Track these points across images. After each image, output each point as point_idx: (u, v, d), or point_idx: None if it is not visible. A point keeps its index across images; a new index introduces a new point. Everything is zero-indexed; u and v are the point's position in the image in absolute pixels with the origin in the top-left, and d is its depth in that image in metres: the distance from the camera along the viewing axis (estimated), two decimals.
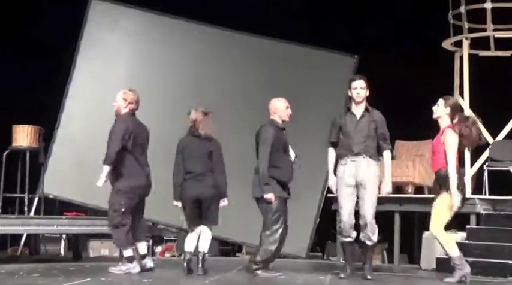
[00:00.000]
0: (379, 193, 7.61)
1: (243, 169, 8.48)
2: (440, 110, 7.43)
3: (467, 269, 7.40)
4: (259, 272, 7.67)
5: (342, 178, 7.59)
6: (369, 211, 7.49)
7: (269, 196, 7.60)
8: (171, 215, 9.76)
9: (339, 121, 7.70)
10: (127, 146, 7.62)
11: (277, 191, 7.65)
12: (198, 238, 7.84)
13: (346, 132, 7.61)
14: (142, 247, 7.94)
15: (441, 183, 7.40)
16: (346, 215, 7.56)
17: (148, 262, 7.94)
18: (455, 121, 7.41)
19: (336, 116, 7.81)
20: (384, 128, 7.63)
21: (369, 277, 7.53)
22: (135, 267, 7.69)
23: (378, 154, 7.62)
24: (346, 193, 7.57)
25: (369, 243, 7.54)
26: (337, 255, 10.39)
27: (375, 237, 7.55)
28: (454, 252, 7.40)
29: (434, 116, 7.48)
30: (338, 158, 7.69)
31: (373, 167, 7.56)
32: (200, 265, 7.65)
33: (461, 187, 7.35)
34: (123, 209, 7.60)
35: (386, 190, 7.60)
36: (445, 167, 7.32)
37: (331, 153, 7.76)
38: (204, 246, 7.79)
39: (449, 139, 7.31)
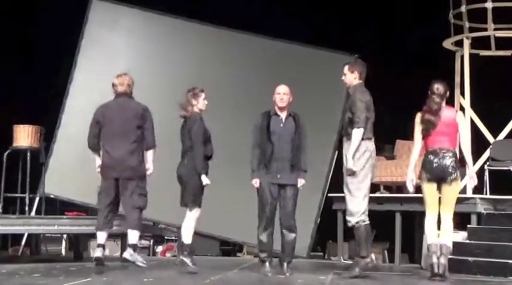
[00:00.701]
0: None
1: (244, 168, 8.47)
2: None
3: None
4: (265, 264, 7.75)
5: None
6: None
7: (252, 182, 7.77)
8: (172, 215, 9.77)
9: None
10: (100, 131, 7.85)
11: (261, 176, 7.76)
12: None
13: None
14: (131, 236, 7.78)
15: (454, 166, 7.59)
16: None
17: (125, 253, 7.77)
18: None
19: None
20: (354, 106, 7.55)
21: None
22: (95, 252, 7.78)
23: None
24: None
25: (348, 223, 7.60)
26: (337, 255, 10.40)
27: (350, 219, 7.51)
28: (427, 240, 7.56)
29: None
30: None
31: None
32: (181, 258, 7.77)
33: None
34: (99, 191, 7.87)
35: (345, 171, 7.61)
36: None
37: None
38: (183, 234, 7.82)
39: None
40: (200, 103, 8.01)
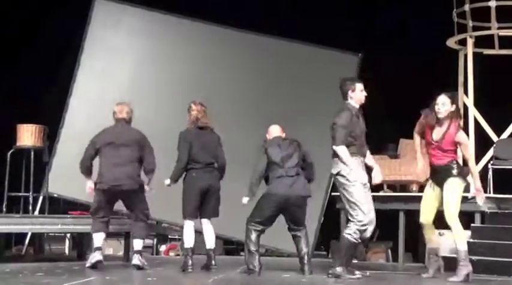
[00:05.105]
0: None
1: (248, 169, 8.46)
2: (448, 108, 7.43)
3: (470, 266, 7.39)
4: None
5: None
6: None
7: None
8: (175, 214, 9.76)
9: None
10: (98, 152, 8.07)
11: None
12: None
13: None
14: (137, 244, 8.12)
15: (450, 171, 7.51)
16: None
17: (134, 259, 8.00)
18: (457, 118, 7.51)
19: None
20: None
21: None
22: (93, 257, 7.93)
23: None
24: None
25: None
26: None
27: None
28: (464, 246, 7.42)
29: (442, 116, 7.44)
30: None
31: None
32: (213, 262, 7.90)
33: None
34: (95, 204, 8.06)
35: None
36: (454, 159, 7.51)
37: None
38: (211, 243, 7.99)
39: (466, 138, 7.60)
40: None
